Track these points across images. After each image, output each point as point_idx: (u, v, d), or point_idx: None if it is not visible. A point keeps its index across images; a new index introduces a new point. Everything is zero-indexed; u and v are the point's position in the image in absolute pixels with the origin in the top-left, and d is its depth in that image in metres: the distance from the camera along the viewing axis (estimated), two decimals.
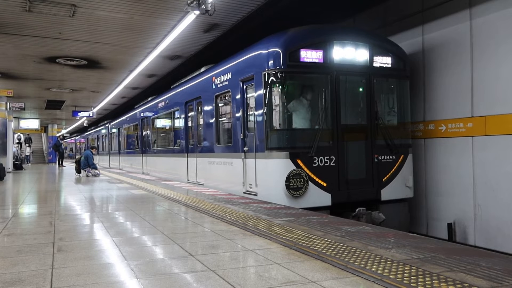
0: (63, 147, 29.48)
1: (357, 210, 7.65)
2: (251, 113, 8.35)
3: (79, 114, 26.21)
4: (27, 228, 5.72)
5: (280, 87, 7.59)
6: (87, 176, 16.16)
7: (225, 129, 9.98)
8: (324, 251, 3.89)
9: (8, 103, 19.98)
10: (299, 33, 7.94)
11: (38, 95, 21.00)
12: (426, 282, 2.96)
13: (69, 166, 25.59)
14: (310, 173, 7.45)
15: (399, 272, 3.22)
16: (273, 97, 7.64)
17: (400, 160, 8.34)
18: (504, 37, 7.43)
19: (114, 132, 24.95)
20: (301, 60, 7.60)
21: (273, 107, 7.64)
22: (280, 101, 7.60)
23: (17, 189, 11.95)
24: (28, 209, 7.60)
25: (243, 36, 10.78)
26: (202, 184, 10.86)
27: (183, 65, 14.45)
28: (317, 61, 7.70)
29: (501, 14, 7.48)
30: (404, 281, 3.00)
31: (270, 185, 7.62)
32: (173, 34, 10.63)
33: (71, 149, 51.75)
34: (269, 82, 7.63)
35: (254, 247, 4.18)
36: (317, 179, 7.50)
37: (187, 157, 12.05)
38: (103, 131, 28.77)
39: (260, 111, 7.80)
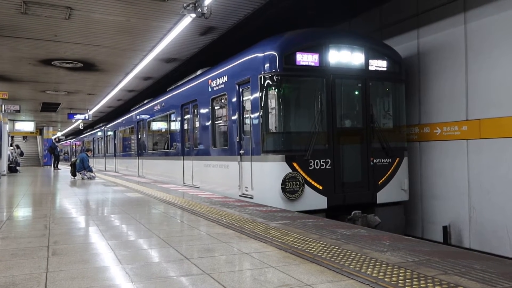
0: (58, 149, 29.36)
1: (352, 213, 7.67)
2: (247, 116, 8.36)
3: (74, 116, 26.13)
4: (21, 231, 5.69)
5: (276, 90, 7.61)
6: (83, 179, 16.10)
7: (221, 132, 9.98)
8: (319, 254, 3.89)
9: (3, 106, 19.90)
10: (295, 36, 7.97)
11: (34, 97, 20.92)
12: (421, 285, 2.97)
13: (64, 169, 25.48)
14: (306, 176, 7.46)
15: (394, 275, 3.23)
16: (269, 100, 7.66)
17: (395, 163, 8.37)
18: (498, 41, 7.49)
19: (110, 135, 24.88)
20: (297, 64, 7.62)
21: (269, 110, 7.65)
22: (276, 104, 7.62)
23: (12, 192, 11.89)
24: (22, 212, 7.56)
25: (240, 39, 10.80)
26: (198, 187, 10.85)
27: (179, 67, 14.45)
28: (313, 64, 7.72)
29: (495, 18, 7.54)
30: (399, 284, 3.01)
31: (266, 188, 7.62)
32: (169, 37, 10.63)
33: (66, 152, 51.50)
34: (265, 85, 7.64)
35: (249, 250, 4.18)
36: (313, 182, 7.51)
37: (183, 160, 12.04)
38: (99, 133, 28.69)
39: (256, 114, 7.82)
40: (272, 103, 7.66)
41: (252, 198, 8.00)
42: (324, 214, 7.40)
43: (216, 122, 10.09)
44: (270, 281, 3.17)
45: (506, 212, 7.38)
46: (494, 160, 7.58)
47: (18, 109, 20.79)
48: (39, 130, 37.71)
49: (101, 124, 29.04)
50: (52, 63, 13.60)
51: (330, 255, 3.85)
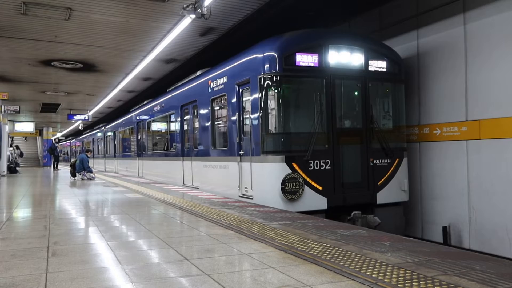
0: (58, 150, 29.35)
1: (352, 213, 7.67)
2: (247, 116, 8.36)
3: (74, 117, 26.12)
4: (21, 232, 5.69)
5: (276, 90, 7.61)
6: (82, 179, 16.10)
7: (221, 132, 9.98)
8: (319, 255, 3.89)
9: (3, 106, 19.90)
10: (294, 37, 7.98)
11: (33, 98, 20.92)
12: (421, 286, 2.97)
13: (64, 170, 25.47)
14: (305, 177, 7.46)
15: (393, 275, 3.23)
16: (268, 101, 7.66)
17: (395, 164, 8.37)
18: (497, 41, 7.49)
19: (109, 136, 24.88)
20: (297, 64, 7.62)
21: (269, 111, 7.65)
22: (276, 105, 7.62)
23: (12, 193, 11.88)
24: (22, 213, 7.56)
25: (239, 39, 10.80)
26: (198, 188, 10.85)
27: (179, 68, 14.44)
28: (312, 65, 7.72)
29: (494, 19, 7.54)
30: (399, 285, 3.01)
31: (266, 189, 7.62)
32: (169, 37, 10.63)
33: (66, 153, 51.48)
34: (264, 85, 7.64)
35: (249, 251, 4.18)
36: (312, 183, 7.51)
37: (183, 160, 12.04)
38: (99, 134, 28.69)
39: (256, 115, 7.82)
40: (272, 103, 7.66)
41: (252, 198, 8.00)
42: (324, 215, 7.40)
43: (215, 123, 10.09)
44: (270, 282, 3.17)
45: (506, 213, 7.38)
46: (494, 160, 7.58)
47: (18, 109, 20.78)
48: (39, 131, 37.70)
49: (100, 125, 29.02)
50: (52, 63, 13.60)
51: (330, 256, 3.85)
